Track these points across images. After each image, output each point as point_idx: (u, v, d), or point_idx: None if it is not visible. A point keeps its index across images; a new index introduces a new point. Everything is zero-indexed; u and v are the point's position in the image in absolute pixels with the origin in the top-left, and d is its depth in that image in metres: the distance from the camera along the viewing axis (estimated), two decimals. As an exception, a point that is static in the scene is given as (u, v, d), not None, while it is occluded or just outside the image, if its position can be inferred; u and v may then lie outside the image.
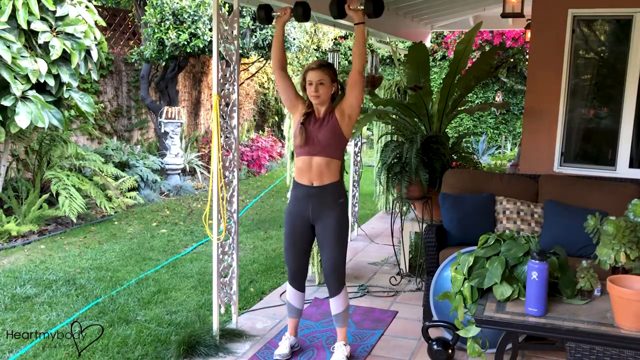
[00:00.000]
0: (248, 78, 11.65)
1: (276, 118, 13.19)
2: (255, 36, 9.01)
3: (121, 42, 9.54)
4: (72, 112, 7.41)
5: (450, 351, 3.34)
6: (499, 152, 11.87)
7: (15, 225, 5.95)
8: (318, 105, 3.25)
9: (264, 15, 3.37)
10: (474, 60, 6.50)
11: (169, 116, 8.65)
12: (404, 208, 5.14)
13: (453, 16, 8.30)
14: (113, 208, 6.98)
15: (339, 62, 5.67)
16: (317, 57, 13.63)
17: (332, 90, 3.23)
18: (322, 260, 3.35)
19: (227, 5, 7.41)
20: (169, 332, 3.80)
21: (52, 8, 5.67)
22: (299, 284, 3.46)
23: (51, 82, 5.69)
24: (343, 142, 3.25)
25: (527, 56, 5.51)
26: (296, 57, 12.69)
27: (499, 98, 10.78)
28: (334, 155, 3.21)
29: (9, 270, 5.00)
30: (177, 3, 8.11)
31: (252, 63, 11.28)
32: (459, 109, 5.18)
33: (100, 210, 7.01)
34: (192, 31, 8.12)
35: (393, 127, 5.47)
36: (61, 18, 5.78)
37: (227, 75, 3.57)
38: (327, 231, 3.25)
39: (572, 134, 4.92)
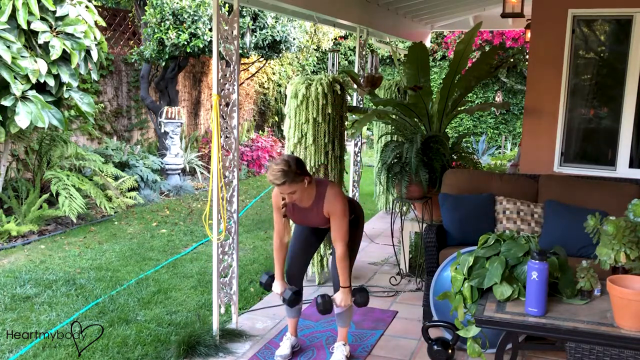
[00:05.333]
0: (248, 78, 11.64)
1: (276, 118, 13.18)
2: (255, 36, 9.00)
3: (121, 42, 9.53)
4: (72, 112, 7.41)
5: (450, 351, 3.34)
6: (499, 152, 11.87)
7: (15, 225, 5.95)
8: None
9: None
10: (474, 60, 6.50)
11: (169, 116, 8.65)
12: (404, 208, 5.15)
13: (453, 16, 8.31)
14: (113, 208, 6.98)
15: (339, 62, 5.67)
16: (317, 57, 13.64)
17: (305, 184, 3.09)
18: (333, 256, 3.35)
19: (227, 5, 7.41)
20: (169, 332, 3.80)
21: (52, 8, 5.67)
22: (297, 283, 3.47)
23: (51, 82, 5.69)
24: None
25: (527, 56, 5.51)
26: (296, 57, 12.68)
27: (499, 98, 10.77)
28: (329, 222, 3.21)
29: (9, 270, 4.99)
30: (177, 3, 8.11)
31: (252, 63, 11.27)
32: (459, 109, 5.18)
33: (100, 210, 7.01)
34: (192, 31, 8.12)
35: (393, 127, 5.47)
36: (61, 18, 5.78)
37: (227, 75, 3.57)
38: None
39: (572, 134, 4.92)
